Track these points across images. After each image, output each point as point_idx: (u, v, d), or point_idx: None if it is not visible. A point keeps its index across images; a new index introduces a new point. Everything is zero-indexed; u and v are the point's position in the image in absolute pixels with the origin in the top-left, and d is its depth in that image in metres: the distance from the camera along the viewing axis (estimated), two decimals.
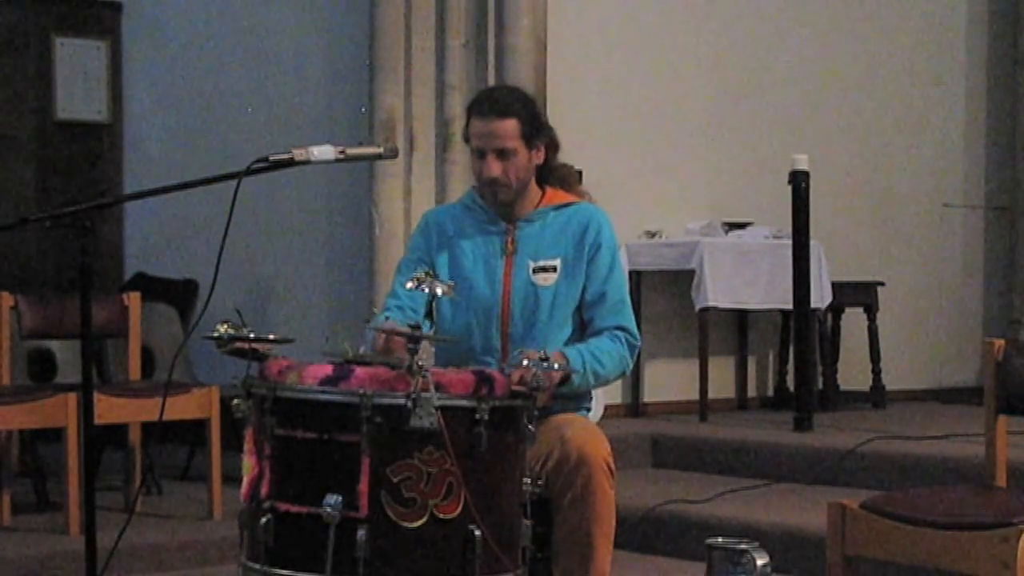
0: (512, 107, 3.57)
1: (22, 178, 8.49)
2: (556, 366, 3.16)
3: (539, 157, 3.64)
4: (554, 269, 3.61)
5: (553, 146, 3.71)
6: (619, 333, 3.61)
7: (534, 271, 3.61)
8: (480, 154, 3.58)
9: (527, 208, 3.66)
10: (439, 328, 3.61)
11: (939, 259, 8.36)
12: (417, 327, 3.02)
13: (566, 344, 3.60)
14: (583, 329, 3.66)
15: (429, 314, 3.64)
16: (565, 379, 3.41)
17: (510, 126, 3.55)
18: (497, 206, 3.65)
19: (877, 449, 5.72)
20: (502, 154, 3.55)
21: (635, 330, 3.65)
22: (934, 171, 8.37)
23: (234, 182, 3.14)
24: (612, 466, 3.44)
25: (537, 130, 3.61)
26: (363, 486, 2.87)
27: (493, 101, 3.60)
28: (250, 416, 3.03)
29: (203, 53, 8.17)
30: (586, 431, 3.46)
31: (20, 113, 8.49)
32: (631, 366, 3.68)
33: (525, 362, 3.10)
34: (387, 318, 3.53)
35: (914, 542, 3.48)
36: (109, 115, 8.68)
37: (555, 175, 3.74)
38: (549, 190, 3.71)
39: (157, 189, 3.35)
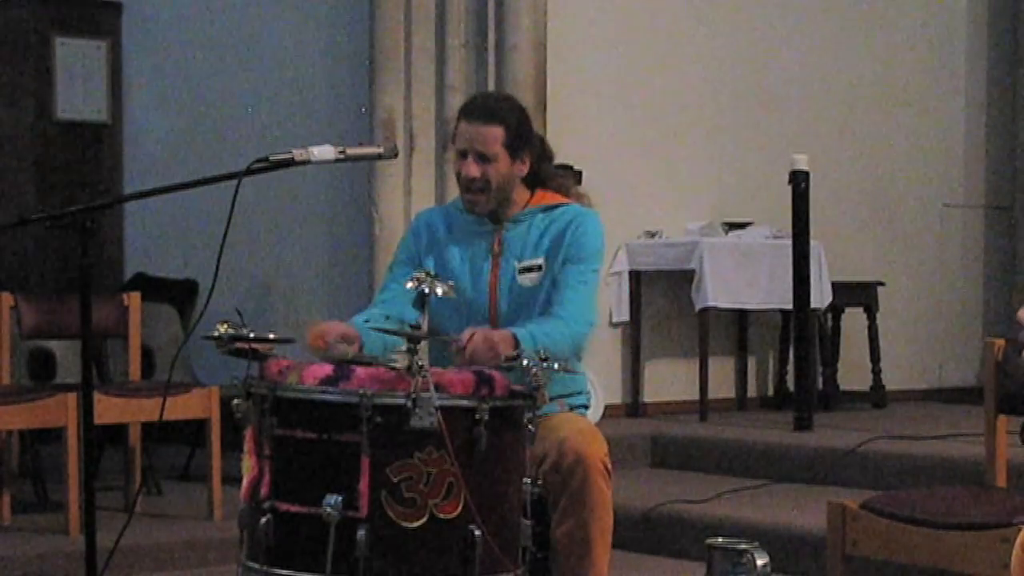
0: (500, 115, 3.58)
1: (22, 178, 8.49)
2: (536, 365, 3.10)
3: (522, 169, 3.63)
4: (539, 268, 3.61)
5: (546, 156, 3.72)
6: (560, 312, 3.51)
7: (519, 271, 3.61)
8: (462, 155, 3.60)
9: (514, 209, 3.66)
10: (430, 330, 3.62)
11: (939, 259, 8.36)
12: (417, 327, 3.02)
13: None
14: None
15: (421, 307, 3.63)
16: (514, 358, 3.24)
17: (495, 133, 3.56)
18: (474, 215, 3.64)
19: (877, 449, 5.72)
20: (483, 158, 3.56)
21: (583, 310, 3.53)
22: (934, 171, 8.37)
23: (234, 182, 3.15)
24: (609, 466, 3.44)
25: (523, 142, 3.61)
26: (363, 486, 2.87)
27: (482, 106, 3.62)
28: (250, 416, 3.04)
29: (203, 53, 8.17)
30: (582, 431, 3.46)
31: (20, 113, 8.49)
32: (584, 341, 3.54)
33: (526, 362, 3.09)
34: (367, 321, 3.53)
35: (914, 542, 3.49)
36: (109, 115, 8.68)
37: (551, 183, 3.74)
38: (539, 192, 3.70)
39: (157, 189, 3.35)
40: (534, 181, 3.69)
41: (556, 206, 3.67)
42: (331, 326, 3.42)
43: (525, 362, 3.11)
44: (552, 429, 3.43)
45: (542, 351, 3.32)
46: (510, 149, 3.58)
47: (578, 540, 3.41)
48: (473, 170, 3.56)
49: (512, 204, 3.65)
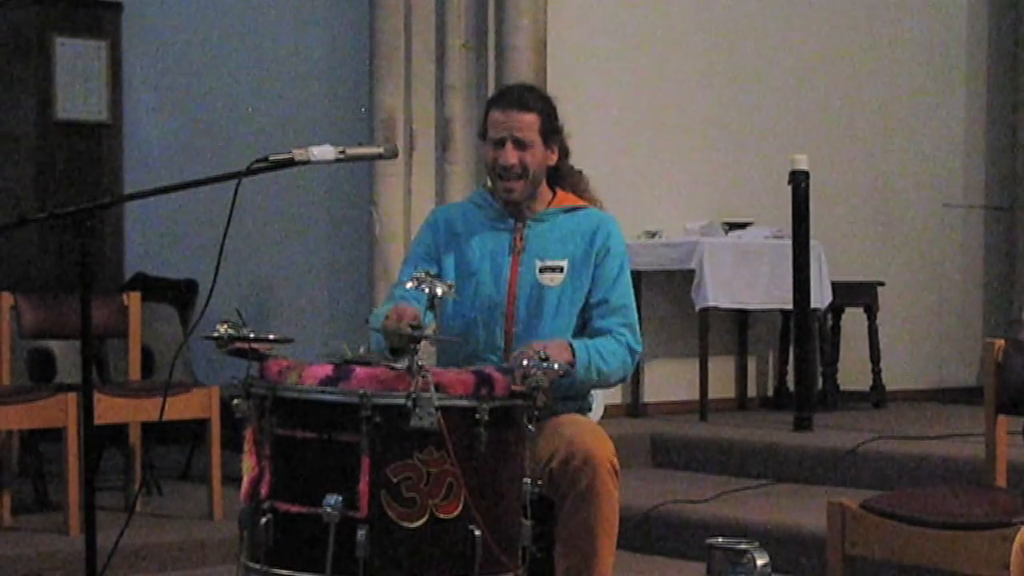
0: (534, 103, 3.63)
1: (22, 178, 8.49)
2: (556, 366, 3.16)
3: (553, 157, 3.67)
4: (560, 270, 3.62)
5: (564, 151, 3.73)
6: (621, 336, 3.62)
7: (541, 271, 3.62)
8: (498, 143, 3.60)
9: (537, 207, 3.68)
10: (443, 324, 3.61)
11: (939, 259, 8.36)
12: (417, 326, 3.02)
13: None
14: (586, 332, 3.66)
15: (431, 308, 3.63)
16: (566, 372, 3.39)
17: (531, 119, 3.60)
18: (508, 204, 3.65)
19: (877, 449, 5.72)
20: (520, 144, 3.59)
21: (638, 336, 3.66)
22: (934, 171, 8.37)
23: (234, 182, 3.15)
24: (617, 466, 3.44)
25: (554, 130, 3.66)
26: (363, 486, 2.87)
27: (516, 95, 3.66)
28: (250, 416, 3.03)
29: (203, 53, 8.17)
30: (591, 431, 3.46)
31: (20, 113, 8.49)
32: (631, 371, 3.70)
33: (525, 362, 3.10)
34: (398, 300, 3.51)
35: (914, 542, 3.49)
36: (109, 115, 8.68)
37: (567, 181, 3.76)
38: (560, 192, 3.73)
39: (157, 189, 3.34)
40: (554, 178, 3.71)
41: (577, 208, 3.70)
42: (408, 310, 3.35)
43: (578, 367, 3.38)
44: (559, 428, 3.44)
45: (594, 369, 3.42)
46: (544, 136, 3.62)
47: (584, 539, 3.42)
48: (512, 157, 3.58)
49: (536, 200, 3.67)
